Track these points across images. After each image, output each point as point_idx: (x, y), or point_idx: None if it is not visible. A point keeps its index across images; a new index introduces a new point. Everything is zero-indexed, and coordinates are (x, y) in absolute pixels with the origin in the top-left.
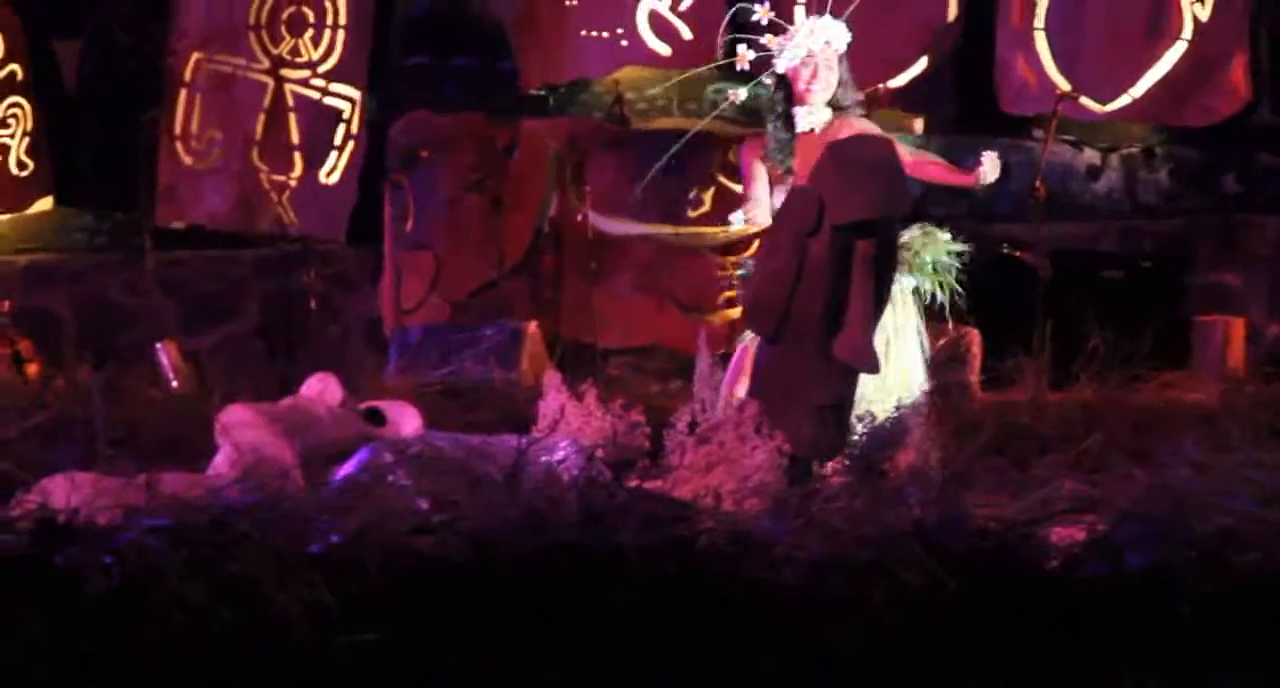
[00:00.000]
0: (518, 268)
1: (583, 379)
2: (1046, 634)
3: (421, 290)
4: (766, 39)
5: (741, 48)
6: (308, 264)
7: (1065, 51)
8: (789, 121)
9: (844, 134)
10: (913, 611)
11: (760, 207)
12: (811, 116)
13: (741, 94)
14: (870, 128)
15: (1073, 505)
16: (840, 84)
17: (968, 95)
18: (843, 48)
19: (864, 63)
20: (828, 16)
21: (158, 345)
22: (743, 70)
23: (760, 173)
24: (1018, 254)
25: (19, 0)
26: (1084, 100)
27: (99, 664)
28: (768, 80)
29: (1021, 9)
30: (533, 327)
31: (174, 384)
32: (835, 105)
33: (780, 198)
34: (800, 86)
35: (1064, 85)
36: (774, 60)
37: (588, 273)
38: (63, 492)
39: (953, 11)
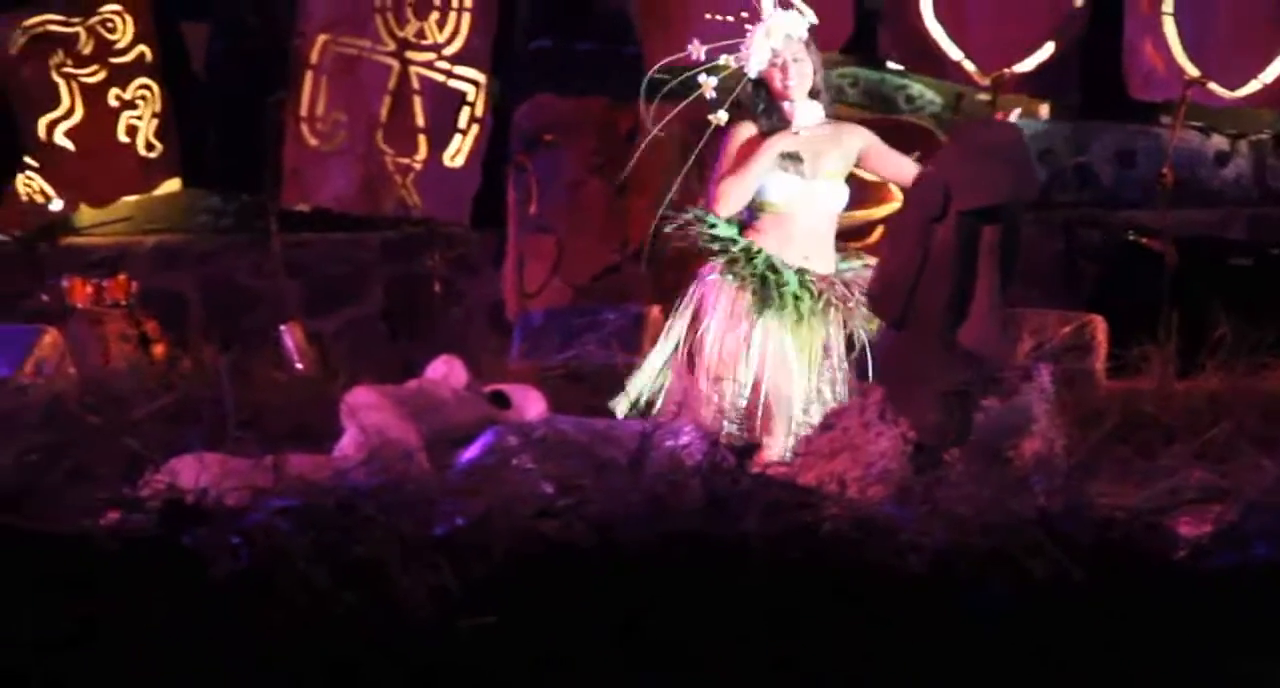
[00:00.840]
0: (640, 252)
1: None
2: (1172, 626)
3: (544, 274)
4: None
5: (703, 78)
6: (432, 247)
7: (1194, 37)
8: (784, 122)
9: (839, 134)
10: (1037, 600)
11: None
12: (806, 113)
13: (712, 81)
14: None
15: (1200, 495)
16: (816, 78)
17: (1094, 81)
18: (805, 34)
19: (990, 48)
20: (777, 11)
21: (282, 327)
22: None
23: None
24: (1144, 241)
25: None
26: (1212, 86)
27: (223, 645)
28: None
29: None
30: (655, 311)
31: (298, 366)
32: (818, 99)
33: (781, 189)
34: (778, 86)
35: (1193, 71)
36: (744, 69)
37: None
38: (191, 472)
39: None
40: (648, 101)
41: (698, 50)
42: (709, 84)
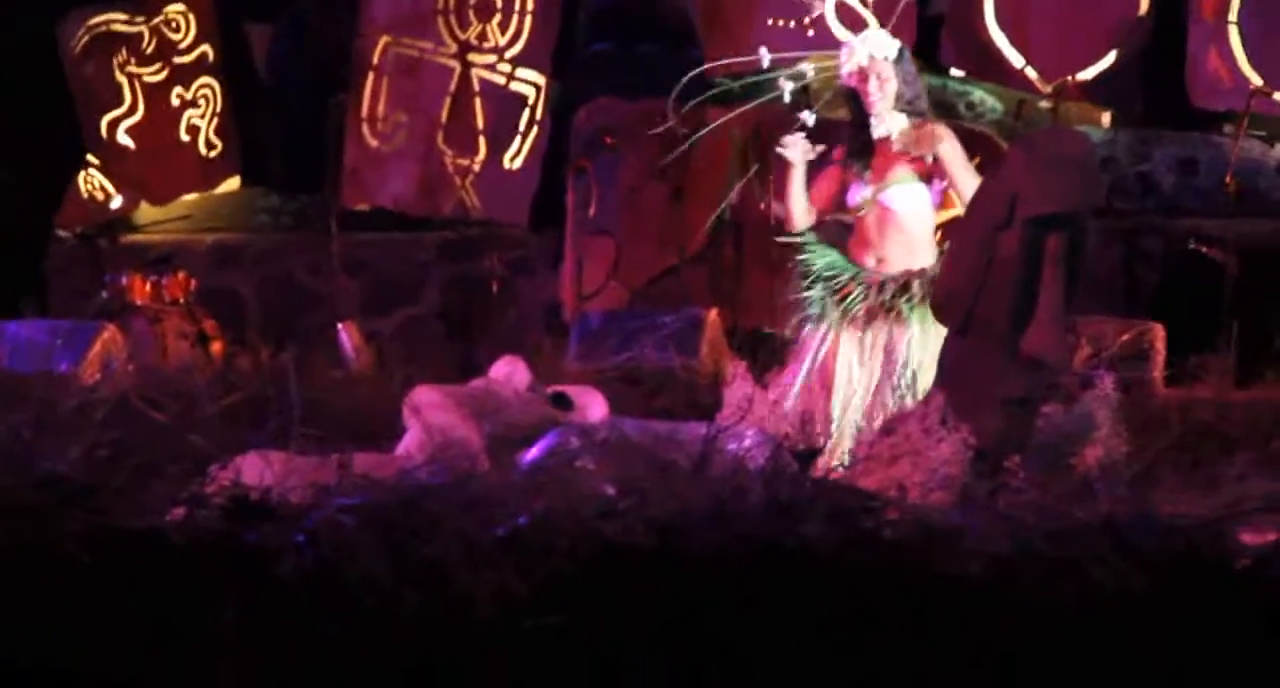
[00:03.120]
0: (698, 256)
1: (764, 367)
2: (1238, 634)
3: (602, 276)
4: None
5: (782, 79)
6: (489, 248)
7: (1258, 46)
8: (864, 129)
9: (923, 138)
10: (1102, 608)
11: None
12: (884, 124)
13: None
14: (947, 133)
15: (1263, 505)
16: (904, 88)
17: (1157, 89)
18: (892, 56)
19: (1052, 55)
20: (872, 30)
21: (339, 326)
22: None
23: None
24: (1205, 250)
25: None
26: (1276, 96)
27: (287, 643)
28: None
29: (1215, 3)
30: (713, 314)
31: (355, 365)
32: (911, 111)
33: (854, 196)
34: (863, 98)
35: (1256, 80)
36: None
37: (769, 262)
38: (255, 470)
39: (1144, 5)
40: (709, 105)
41: (764, 58)
42: (787, 87)
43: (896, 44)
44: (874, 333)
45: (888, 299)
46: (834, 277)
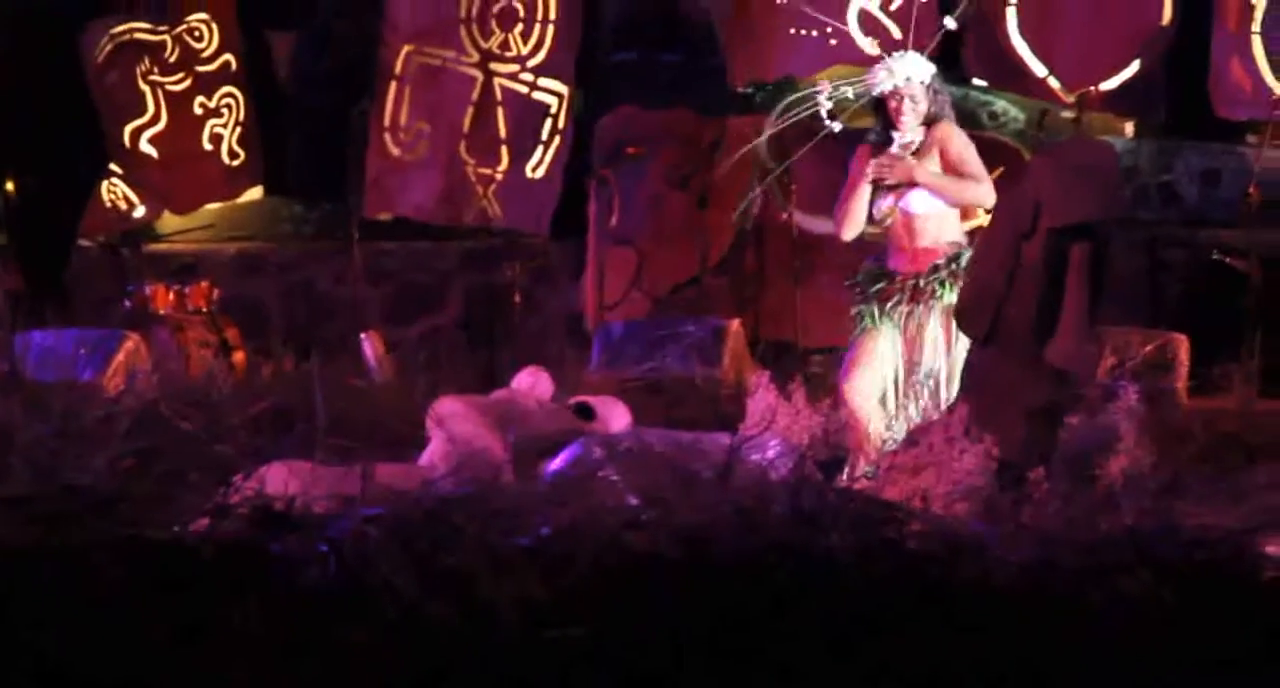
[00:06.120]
0: (720, 265)
1: (786, 377)
2: (1262, 645)
3: (624, 286)
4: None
5: (820, 87)
6: (511, 258)
7: None
8: (889, 139)
9: (931, 142)
10: (1127, 619)
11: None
12: (904, 138)
13: (824, 101)
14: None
15: None
16: (934, 108)
17: (1180, 99)
18: (926, 80)
19: (1075, 65)
20: (909, 53)
21: (362, 335)
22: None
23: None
24: (1228, 260)
25: None
26: None
27: (311, 652)
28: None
29: (1238, 13)
30: (735, 324)
31: (377, 375)
32: (932, 119)
33: (877, 207)
34: (892, 114)
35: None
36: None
37: (791, 272)
38: (280, 479)
39: (1167, 15)
40: (732, 114)
41: (824, 94)
42: (824, 103)
43: (931, 68)
44: (911, 320)
45: (922, 285)
46: (876, 284)
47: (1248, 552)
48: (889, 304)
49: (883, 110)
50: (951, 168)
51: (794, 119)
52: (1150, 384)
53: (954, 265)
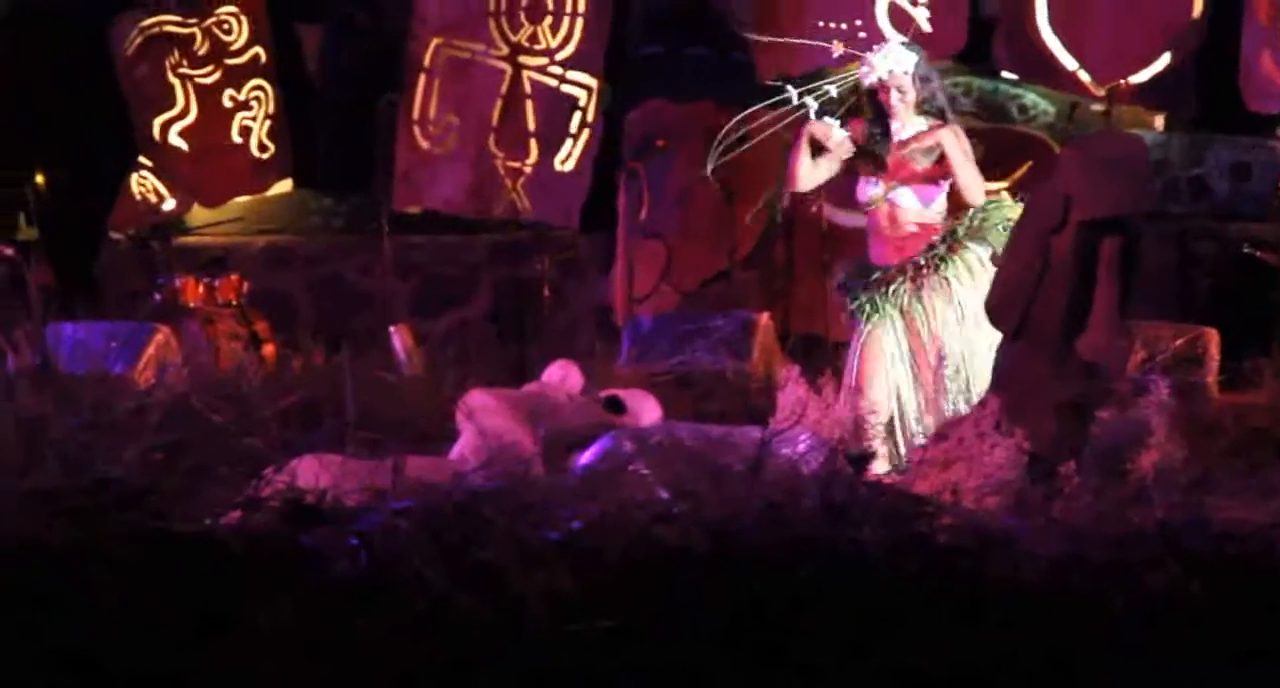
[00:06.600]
0: (749, 259)
1: (816, 371)
2: None
3: (653, 279)
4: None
5: (809, 98)
6: (541, 251)
7: None
8: (885, 130)
9: (925, 138)
10: (1157, 614)
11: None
12: (904, 127)
13: (811, 102)
14: (958, 130)
15: None
16: (924, 94)
17: (1211, 93)
18: (911, 69)
19: (1105, 58)
20: (893, 44)
21: (391, 329)
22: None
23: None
24: (1258, 254)
25: None
26: None
27: (341, 645)
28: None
29: (1269, 6)
30: (764, 318)
31: (407, 368)
32: (929, 112)
33: (864, 192)
34: (885, 106)
35: None
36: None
37: (821, 265)
38: (310, 472)
39: (1197, 8)
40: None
41: (838, 48)
42: (813, 106)
43: (914, 57)
44: (916, 302)
45: (923, 262)
46: (869, 277)
47: (1279, 547)
48: (890, 289)
49: (877, 103)
50: (953, 167)
51: (797, 116)
52: (1181, 378)
53: (950, 238)
